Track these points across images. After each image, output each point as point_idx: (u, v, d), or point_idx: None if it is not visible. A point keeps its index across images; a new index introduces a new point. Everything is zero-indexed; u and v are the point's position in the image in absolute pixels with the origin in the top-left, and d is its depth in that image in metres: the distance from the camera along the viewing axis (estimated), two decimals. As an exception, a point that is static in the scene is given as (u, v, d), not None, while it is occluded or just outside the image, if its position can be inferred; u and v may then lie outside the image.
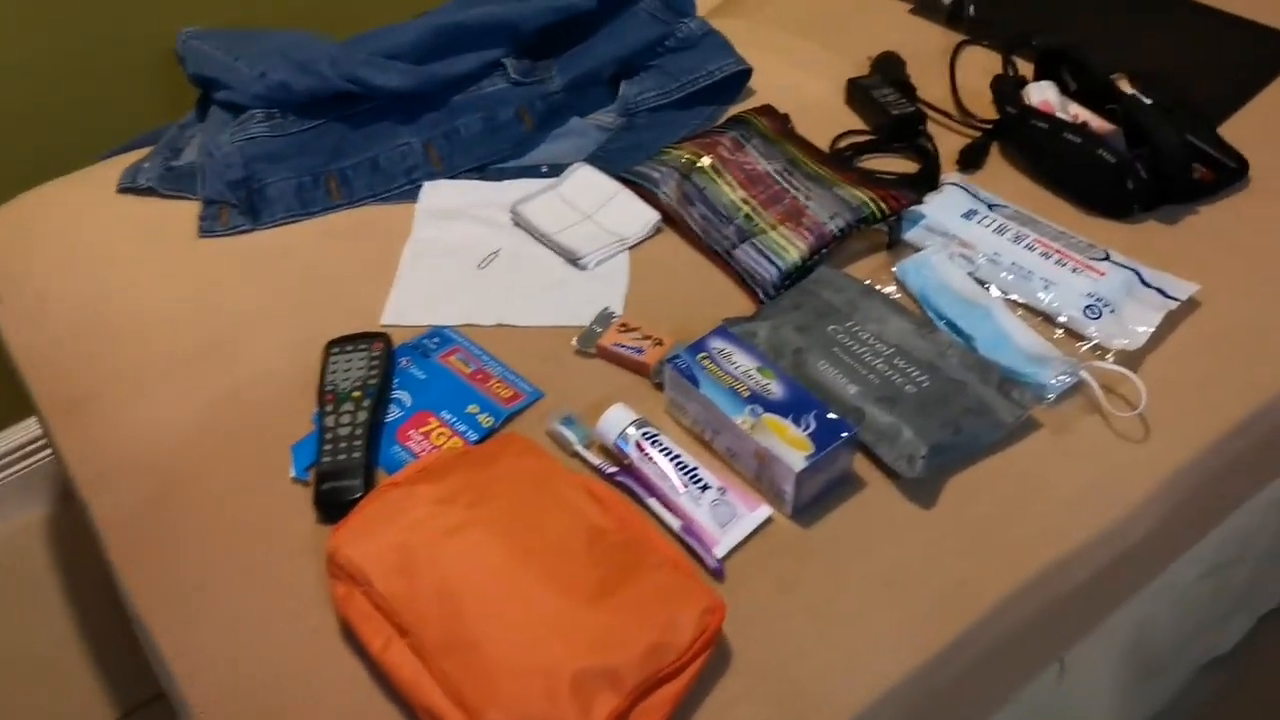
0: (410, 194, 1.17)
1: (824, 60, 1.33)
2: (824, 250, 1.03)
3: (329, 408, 0.92)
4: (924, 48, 1.34)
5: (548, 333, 1.01)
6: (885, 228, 1.06)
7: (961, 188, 1.11)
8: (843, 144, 1.20)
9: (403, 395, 0.95)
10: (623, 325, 0.99)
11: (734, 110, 1.23)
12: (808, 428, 0.84)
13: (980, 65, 1.31)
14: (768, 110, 1.20)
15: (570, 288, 1.05)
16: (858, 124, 1.24)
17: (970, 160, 1.17)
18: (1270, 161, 1.11)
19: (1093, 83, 1.16)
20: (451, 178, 1.18)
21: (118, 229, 1.17)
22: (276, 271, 1.10)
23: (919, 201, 1.07)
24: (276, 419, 0.94)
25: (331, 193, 1.16)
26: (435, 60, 1.17)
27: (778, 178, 1.09)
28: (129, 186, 1.21)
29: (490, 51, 1.19)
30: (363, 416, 0.91)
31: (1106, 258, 1.02)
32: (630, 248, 1.10)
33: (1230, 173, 1.09)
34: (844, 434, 0.84)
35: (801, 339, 0.95)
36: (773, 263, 1.03)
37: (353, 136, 1.19)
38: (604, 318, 1.00)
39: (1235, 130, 1.16)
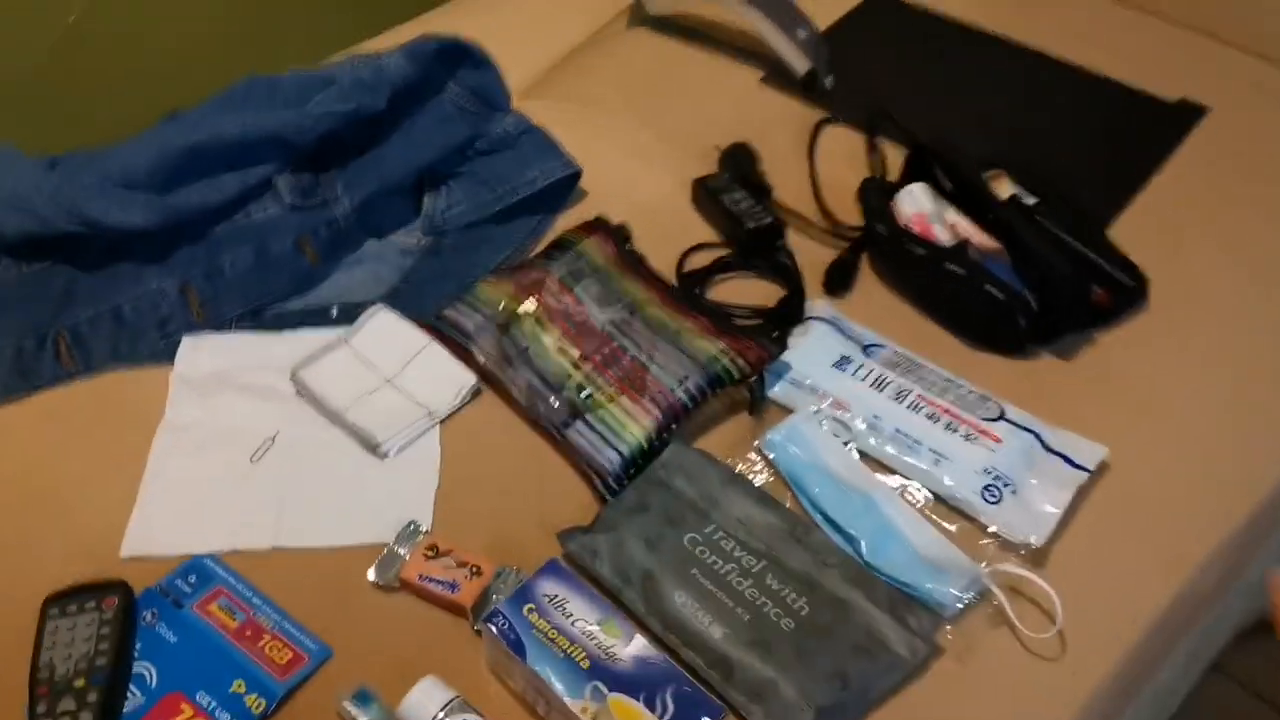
0: (166, 353, 0.93)
1: (663, 150, 1.15)
2: (673, 426, 0.86)
3: (41, 706, 0.70)
4: (778, 127, 1.17)
5: (338, 555, 0.81)
6: (745, 389, 0.89)
7: (831, 324, 0.95)
8: (690, 264, 1.02)
9: (146, 669, 0.74)
10: (430, 548, 0.79)
11: (562, 220, 1.04)
12: (664, 712, 0.67)
13: (844, 150, 1.15)
14: (600, 228, 1.00)
15: (366, 486, 0.85)
16: (705, 230, 1.07)
17: (838, 282, 1.01)
18: (1170, 270, 0.99)
19: (968, 184, 1.02)
20: (218, 328, 0.95)
21: None
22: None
23: (779, 353, 0.90)
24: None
25: (61, 357, 0.92)
26: (184, 184, 0.94)
27: (615, 331, 0.91)
28: None
29: (254, 170, 0.96)
30: (86, 718, 0.69)
31: (1001, 416, 0.87)
32: (441, 421, 0.90)
33: (1129, 292, 0.96)
34: (708, 718, 0.67)
35: (652, 558, 0.78)
36: (613, 446, 0.84)
37: (88, 281, 0.95)
38: (407, 535, 0.81)
39: (1131, 229, 1.03)
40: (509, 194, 1.03)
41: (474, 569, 0.78)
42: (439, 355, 0.92)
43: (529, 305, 0.93)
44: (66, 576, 0.78)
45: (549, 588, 0.73)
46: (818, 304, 0.98)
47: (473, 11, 1.34)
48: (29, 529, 0.82)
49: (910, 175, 1.07)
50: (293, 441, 0.87)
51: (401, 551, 0.79)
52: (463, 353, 0.93)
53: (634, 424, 0.85)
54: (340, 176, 1.00)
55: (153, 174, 0.91)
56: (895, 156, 1.12)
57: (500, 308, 0.93)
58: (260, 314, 0.97)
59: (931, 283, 0.96)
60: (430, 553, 0.79)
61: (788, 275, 1.01)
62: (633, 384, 0.87)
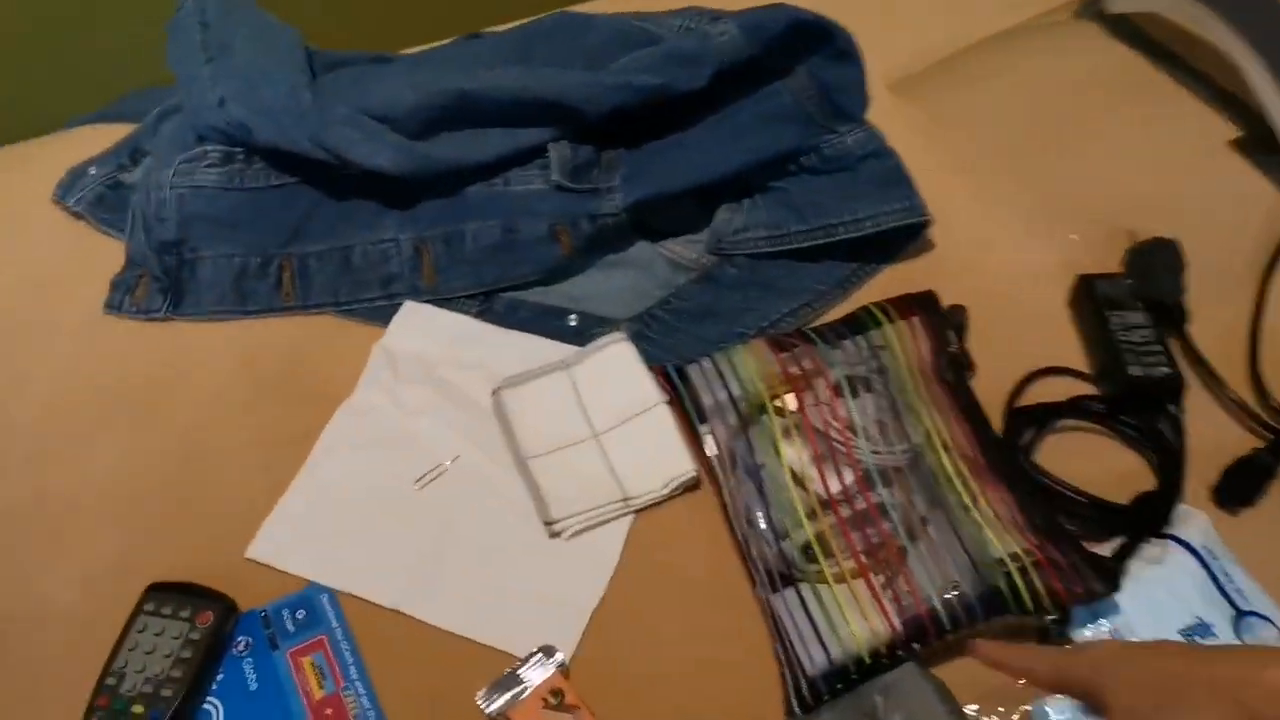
0: (383, 314, 0.81)
1: (1049, 217, 0.85)
2: (915, 645, 0.62)
3: (94, 718, 0.63)
4: (1235, 223, 0.84)
5: (458, 647, 0.66)
6: (1042, 620, 0.63)
7: (1200, 557, 0.66)
8: (1029, 395, 0.75)
9: (214, 707, 0.64)
10: (555, 692, 0.62)
11: (881, 279, 0.79)
12: None
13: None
14: (921, 310, 0.75)
15: (520, 570, 0.69)
16: (1071, 348, 0.78)
17: (1237, 489, 0.70)
18: None
19: None
20: (445, 300, 0.81)
21: (36, 252, 0.88)
22: (151, 408, 0.78)
23: (1105, 594, 0.63)
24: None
25: (283, 285, 0.83)
26: (446, 132, 0.79)
27: (880, 480, 0.67)
28: (61, 199, 0.91)
29: (527, 132, 0.79)
30: (129, 757, 0.61)
31: None
32: (636, 511, 0.71)
33: None
34: None
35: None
36: (823, 642, 0.63)
37: (327, 212, 0.83)
38: (538, 661, 0.64)
39: None
40: (823, 231, 0.79)
41: (595, 744, 0.61)
42: (665, 425, 0.73)
43: (787, 402, 0.71)
44: (189, 557, 0.70)
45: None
46: (1192, 516, 0.69)
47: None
48: (176, 485, 0.74)
49: None
50: (467, 473, 0.73)
51: (526, 679, 0.64)
52: (689, 428, 0.73)
53: (862, 623, 0.62)
54: (624, 162, 0.80)
55: (413, 114, 0.77)
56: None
57: (752, 390, 0.72)
58: (493, 297, 0.82)
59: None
60: (552, 699, 0.62)
61: (1165, 456, 0.71)
62: (879, 565, 0.64)
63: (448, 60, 0.84)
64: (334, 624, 0.67)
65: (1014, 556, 0.63)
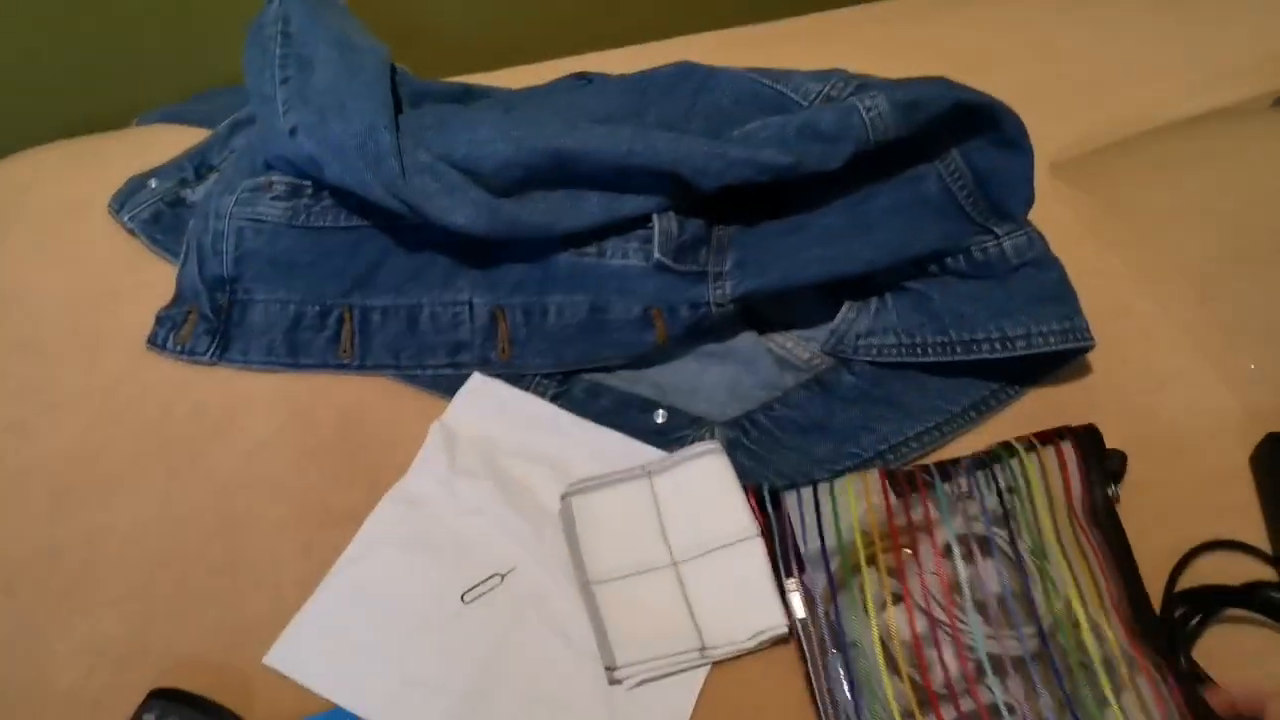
0: (447, 385, 0.72)
1: (1234, 347, 0.72)
2: None
3: None
4: None
5: (492, 811, 0.57)
6: None
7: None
8: (1191, 576, 0.63)
9: None
10: None
11: (1023, 407, 0.67)
12: None
13: None
14: (1069, 438, 0.63)
15: (574, 713, 0.59)
16: (1249, 520, 0.65)
17: None
18: None
19: None
20: (517, 379, 0.72)
21: (89, 264, 0.81)
22: (191, 456, 0.70)
23: None
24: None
25: (341, 340, 0.74)
26: (538, 191, 0.69)
27: (994, 673, 0.56)
28: (116, 212, 0.83)
29: (629, 200, 0.69)
30: None
31: None
32: (713, 663, 0.61)
33: None
34: None
35: None
36: None
37: (395, 263, 0.74)
38: (583, 847, 0.54)
39: None
40: (964, 346, 0.68)
41: None
42: (756, 562, 0.62)
43: (888, 565, 0.59)
44: (204, 647, 0.61)
45: None
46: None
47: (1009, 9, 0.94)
48: (203, 555, 0.66)
49: None
50: (523, 590, 0.63)
51: None
52: (776, 573, 0.62)
53: None
54: (738, 245, 0.70)
55: (503, 169, 0.67)
56: None
57: (852, 543, 0.60)
58: (571, 379, 0.72)
59: None
60: None
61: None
62: None
63: (548, 105, 0.74)
64: (352, 763, 0.58)
65: None
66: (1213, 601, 0.61)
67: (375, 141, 0.67)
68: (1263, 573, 0.63)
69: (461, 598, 0.63)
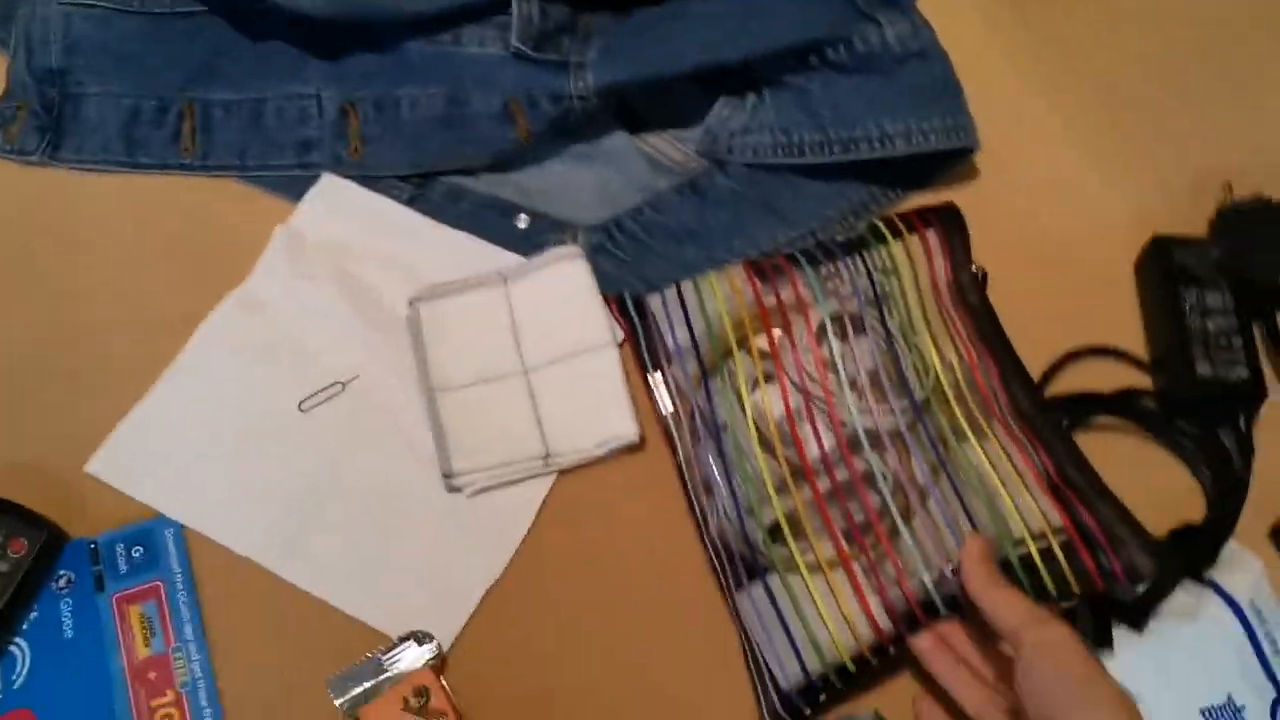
0: (294, 187, 0.67)
1: (1124, 162, 0.68)
2: (900, 642, 0.51)
3: None
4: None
5: (321, 617, 0.55)
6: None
7: (1242, 618, 0.52)
8: (1059, 384, 0.60)
9: (20, 651, 0.53)
10: (418, 692, 0.51)
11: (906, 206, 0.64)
12: None
13: None
14: (936, 222, 0.60)
15: (411, 528, 0.57)
16: (1128, 328, 0.63)
17: (1305, 537, 0.56)
18: None
19: None
20: (371, 180, 0.67)
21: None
22: (23, 264, 0.65)
23: (1156, 570, 0.51)
24: None
25: (181, 137, 0.68)
26: (383, -31, 0.63)
27: (868, 448, 0.54)
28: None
29: (488, -18, 0.63)
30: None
31: None
32: (560, 471, 0.58)
33: None
34: None
35: None
36: (796, 649, 0.51)
37: (238, 52, 0.68)
38: (406, 649, 0.52)
39: None
40: (842, 146, 0.63)
41: (457, 763, 0.49)
42: (611, 372, 0.59)
43: (758, 346, 0.57)
44: (27, 452, 0.58)
45: None
46: (1243, 561, 0.55)
47: None
48: (34, 360, 0.61)
49: None
50: (365, 399, 0.60)
51: (390, 668, 0.52)
52: (640, 371, 0.59)
53: (842, 625, 0.51)
54: (605, 32, 0.64)
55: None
56: None
57: (720, 331, 0.57)
58: (430, 181, 0.67)
59: None
60: (415, 700, 0.51)
61: (1223, 479, 0.57)
62: (862, 548, 0.52)
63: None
64: (175, 568, 0.55)
65: (1039, 535, 0.51)
66: (1084, 407, 0.59)
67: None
68: (1138, 380, 0.61)
69: (299, 406, 0.60)
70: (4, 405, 0.60)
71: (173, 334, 0.62)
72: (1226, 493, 0.56)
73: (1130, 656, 0.51)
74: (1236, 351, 0.58)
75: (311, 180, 0.67)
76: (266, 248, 0.65)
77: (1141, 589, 0.51)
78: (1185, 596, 0.53)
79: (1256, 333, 0.60)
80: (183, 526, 0.56)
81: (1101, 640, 0.52)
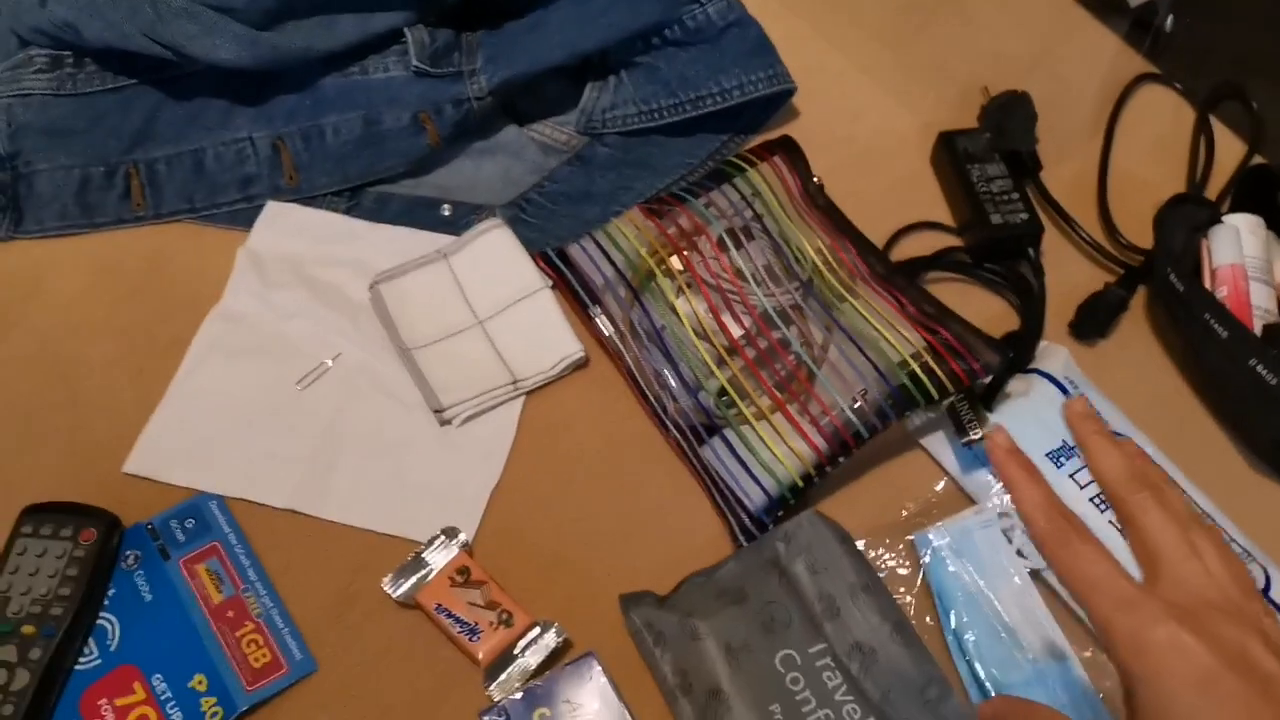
0: (244, 217, 0.78)
1: (909, 80, 0.87)
2: (840, 459, 0.65)
3: (-19, 643, 0.60)
4: (1080, 74, 0.87)
5: (360, 540, 0.66)
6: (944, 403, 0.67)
7: (1062, 387, 0.70)
8: (899, 250, 0.77)
9: (109, 623, 0.62)
10: (461, 570, 0.63)
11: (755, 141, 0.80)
12: None
13: (1162, 129, 0.84)
14: (780, 150, 0.77)
15: (414, 460, 0.68)
16: (935, 203, 0.81)
17: (1091, 323, 0.74)
18: None
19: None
20: (310, 199, 0.79)
21: None
22: (10, 333, 0.73)
23: (1001, 358, 0.66)
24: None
25: (133, 196, 0.78)
26: (293, 20, 0.75)
27: (778, 317, 0.69)
28: None
29: (380, 16, 0.76)
30: (22, 680, 0.58)
31: (1265, 589, 0.62)
32: (527, 393, 0.71)
33: None
34: None
35: (728, 672, 0.59)
36: (756, 479, 0.65)
37: (171, 114, 0.79)
38: (442, 543, 0.64)
39: None
40: (692, 104, 0.79)
41: (504, 614, 0.61)
42: (549, 308, 0.73)
43: (674, 263, 0.71)
44: (63, 478, 0.67)
45: (574, 691, 0.56)
46: (1053, 351, 0.73)
47: None
48: (45, 406, 0.70)
49: (1244, 195, 0.76)
50: (352, 372, 0.71)
51: (431, 561, 0.63)
52: (580, 310, 0.73)
53: (788, 452, 0.65)
54: (486, 43, 0.78)
55: (254, 1, 0.73)
56: (1234, 155, 0.81)
57: (639, 260, 0.72)
58: (360, 193, 0.79)
59: (1223, 375, 0.69)
60: (459, 577, 0.62)
61: (1027, 298, 0.75)
62: (792, 395, 0.66)
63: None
64: (226, 529, 0.65)
65: (915, 355, 0.66)
66: (918, 266, 0.76)
67: (133, -11, 0.71)
68: (952, 241, 0.78)
69: (296, 385, 0.71)
70: (25, 435, 0.69)
71: (166, 356, 0.72)
72: (1031, 307, 0.74)
73: (988, 427, 0.68)
74: (1016, 203, 0.76)
75: (258, 209, 0.78)
76: (234, 269, 0.75)
77: (992, 376, 0.68)
78: (1018, 383, 0.70)
79: (1028, 188, 0.79)
80: (223, 498, 0.66)
81: (979, 419, 0.67)
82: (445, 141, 0.79)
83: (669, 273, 0.71)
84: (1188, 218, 0.73)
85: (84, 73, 0.78)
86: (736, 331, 0.69)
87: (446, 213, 0.79)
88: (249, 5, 0.73)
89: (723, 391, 0.67)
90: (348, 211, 0.78)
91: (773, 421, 0.66)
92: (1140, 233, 0.77)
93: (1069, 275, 0.76)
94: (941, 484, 0.68)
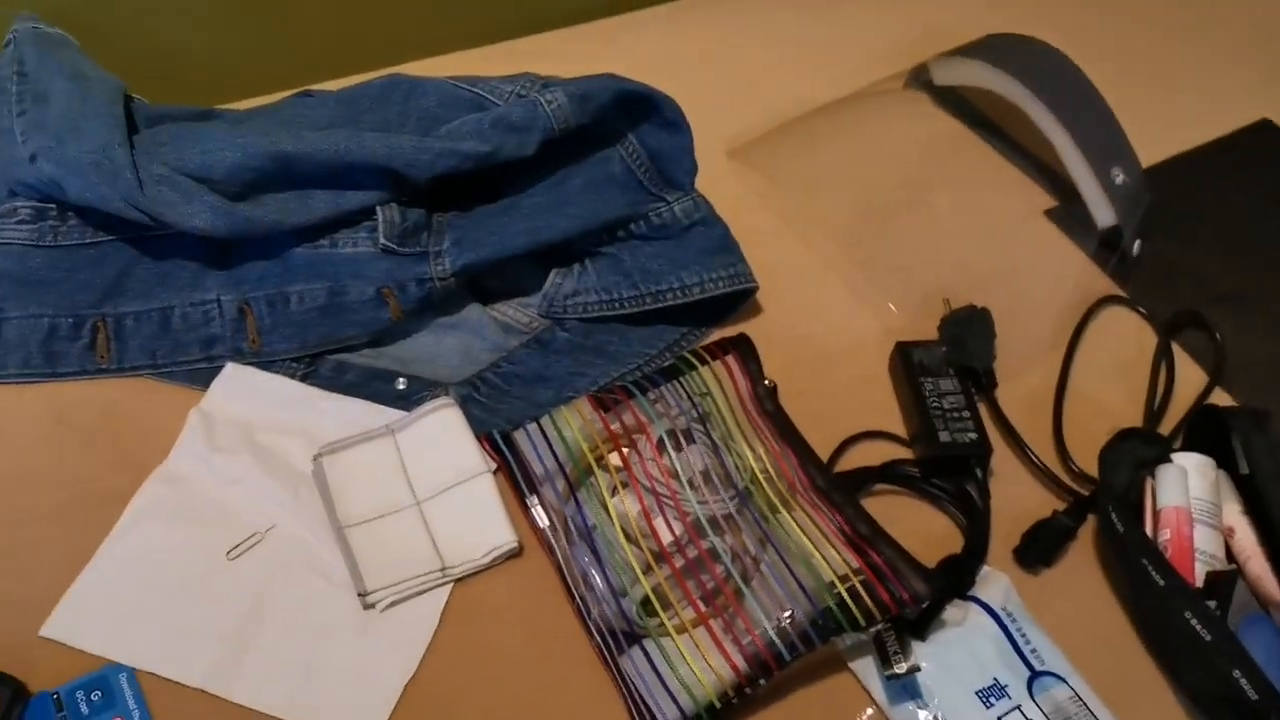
0: (203, 377, 0.79)
1: (874, 285, 0.88)
2: (761, 681, 0.64)
3: None
4: (1045, 287, 0.88)
5: (265, 726, 0.64)
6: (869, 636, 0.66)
7: (999, 619, 0.68)
8: (847, 460, 0.77)
9: (-6, 802, 0.61)
10: (360, 775, 0.61)
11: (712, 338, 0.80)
12: None
13: (1123, 353, 0.85)
14: (734, 349, 0.78)
15: (331, 644, 0.67)
16: (890, 413, 0.80)
17: (1035, 551, 0.73)
18: None
19: (1275, 477, 0.70)
20: (268, 363, 0.80)
21: None
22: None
23: (930, 589, 0.65)
24: None
25: (97, 347, 0.79)
26: (269, 194, 0.77)
27: (710, 531, 0.68)
28: None
29: (353, 195, 0.78)
30: None
31: None
32: (455, 580, 0.71)
33: None
34: None
35: None
36: (673, 696, 0.63)
37: (145, 271, 0.81)
38: (345, 741, 0.63)
39: None
40: (653, 297, 0.80)
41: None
42: (488, 494, 0.72)
43: (612, 460, 0.71)
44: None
45: None
46: (995, 578, 0.71)
47: (687, 24, 1.09)
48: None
49: (1196, 432, 0.76)
50: (284, 545, 0.71)
51: (328, 760, 0.62)
52: (519, 498, 0.73)
53: (706, 670, 0.63)
54: (454, 226, 0.80)
55: (233, 174, 0.75)
56: (1196, 384, 0.81)
57: (577, 451, 0.72)
58: (318, 360, 0.80)
59: (1159, 621, 0.67)
60: (356, 781, 0.61)
61: (972, 519, 0.74)
62: (716, 610, 0.65)
63: (273, 118, 0.82)
64: (131, 705, 0.64)
65: (844, 578, 0.65)
66: (863, 478, 0.76)
67: (110, 159, 0.74)
68: (901, 452, 0.78)
69: (226, 555, 0.71)
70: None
71: (104, 510, 0.72)
72: (975, 529, 0.73)
73: (918, 659, 0.66)
74: (967, 421, 0.76)
75: (217, 370, 0.79)
76: (183, 429, 0.76)
77: (923, 607, 0.67)
78: (954, 610, 0.69)
79: (980, 406, 0.79)
80: (134, 670, 0.65)
81: (905, 651, 0.66)
82: (407, 316, 0.80)
83: (607, 469, 0.71)
84: (1134, 454, 0.72)
85: (65, 226, 0.81)
86: (667, 537, 0.68)
87: (401, 386, 0.79)
88: (227, 177, 0.76)
89: (646, 601, 0.66)
90: (304, 378, 0.79)
91: (694, 636, 0.65)
92: (1093, 459, 0.76)
93: (1018, 497, 0.76)
94: (868, 713, 0.66)
